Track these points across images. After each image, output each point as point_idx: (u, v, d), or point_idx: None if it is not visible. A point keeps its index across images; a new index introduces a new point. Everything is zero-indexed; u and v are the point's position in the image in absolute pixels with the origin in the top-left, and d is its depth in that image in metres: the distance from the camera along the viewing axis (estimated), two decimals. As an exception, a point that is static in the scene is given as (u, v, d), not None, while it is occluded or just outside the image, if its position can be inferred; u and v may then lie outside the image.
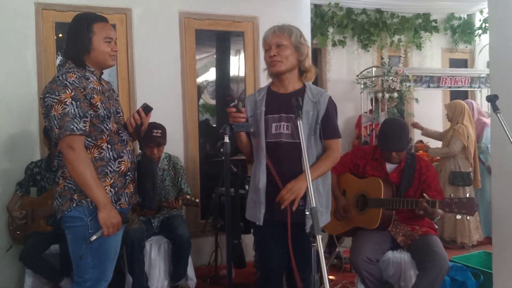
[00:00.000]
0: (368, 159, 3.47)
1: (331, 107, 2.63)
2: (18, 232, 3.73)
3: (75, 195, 2.33)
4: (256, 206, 2.60)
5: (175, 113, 4.56)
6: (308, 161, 2.51)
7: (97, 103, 2.35)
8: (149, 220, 3.91)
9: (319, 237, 2.02)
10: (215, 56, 7.07)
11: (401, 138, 3.32)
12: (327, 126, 2.58)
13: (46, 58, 4.12)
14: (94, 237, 2.29)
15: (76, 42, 2.40)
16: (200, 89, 8.18)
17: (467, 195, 2.97)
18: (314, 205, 2.07)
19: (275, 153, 2.54)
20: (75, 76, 2.33)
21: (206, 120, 6.87)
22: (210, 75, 7.26)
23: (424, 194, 3.11)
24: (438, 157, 5.65)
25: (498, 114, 2.51)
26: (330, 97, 2.65)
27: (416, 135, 6.73)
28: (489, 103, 2.66)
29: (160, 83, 4.51)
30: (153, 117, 3.89)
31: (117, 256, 2.50)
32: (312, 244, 2.09)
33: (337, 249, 4.40)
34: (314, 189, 2.64)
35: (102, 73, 2.55)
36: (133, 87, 4.43)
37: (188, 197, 3.86)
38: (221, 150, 2.23)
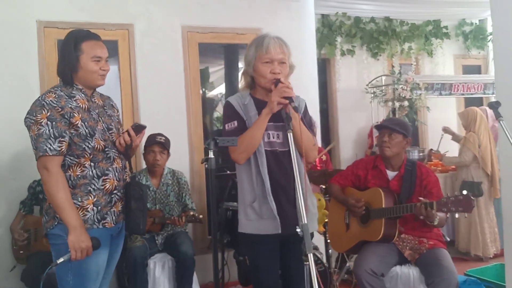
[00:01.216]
0: (369, 168, 3.43)
1: (308, 111, 2.64)
2: (21, 252, 3.71)
3: (57, 213, 2.32)
4: (264, 218, 2.46)
5: (179, 127, 4.53)
6: (300, 170, 2.44)
7: (77, 122, 2.33)
8: (153, 237, 3.85)
9: (310, 255, 1.95)
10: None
11: (395, 121, 3.38)
12: (305, 123, 2.50)
13: (49, 76, 4.12)
14: (61, 260, 2.25)
15: (64, 60, 2.39)
16: (214, 102, 8.18)
17: (463, 192, 2.83)
18: (305, 222, 2.01)
19: (269, 161, 2.45)
20: (54, 95, 2.32)
21: (219, 131, 6.83)
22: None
23: (420, 198, 3.02)
24: (454, 166, 5.52)
25: (501, 121, 2.43)
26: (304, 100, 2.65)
27: (432, 143, 6.61)
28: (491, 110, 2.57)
29: (164, 97, 4.48)
30: (158, 131, 3.93)
31: (100, 277, 2.44)
32: (305, 263, 1.99)
33: (347, 264, 4.29)
34: (309, 193, 2.58)
35: (94, 90, 2.52)
36: (137, 102, 4.41)
37: (191, 213, 3.79)
38: (206, 166, 2.13)
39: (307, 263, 2.00)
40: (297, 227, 2.08)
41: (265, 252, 2.52)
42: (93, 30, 4.02)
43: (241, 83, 2.65)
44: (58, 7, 4.18)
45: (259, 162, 2.45)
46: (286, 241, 2.51)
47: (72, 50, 2.37)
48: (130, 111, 4.40)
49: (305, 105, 2.63)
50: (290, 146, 2.14)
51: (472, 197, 2.79)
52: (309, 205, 2.53)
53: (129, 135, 2.45)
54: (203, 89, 7.95)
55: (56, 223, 2.34)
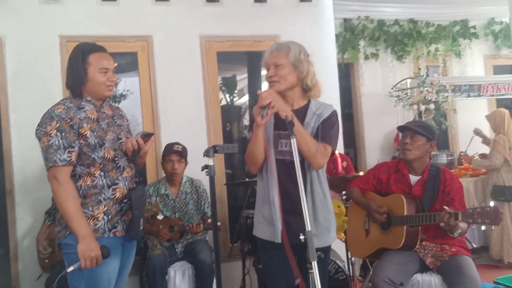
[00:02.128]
0: (392, 172, 3.34)
1: (334, 118, 2.53)
2: (46, 261, 3.81)
3: None
4: (270, 224, 2.48)
5: (199, 136, 4.56)
6: (313, 179, 2.46)
7: (86, 132, 2.39)
8: (173, 246, 3.89)
9: (314, 263, 1.94)
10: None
11: (419, 123, 3.32)
12: (322, 129, 2.47)
13: (72, 89, 4.22)
14: (71, 268, 2.30)
15: (72, 73, 2.45)
16: (242, 109, 8.22)
17: (490, 204, 2.77)
18: (309, 229, 1.99)
19: (280, 170, 2.44)
20: (63, 107, 2.39)
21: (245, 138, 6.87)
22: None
23: (445, 207, 2.91)
24: (485, 170, 5.36)
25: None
26: (335, 110, 2.57)
27: (462, 147, 6.45)
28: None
29: (184, 107, 4.53)
30: (178, 141, 3.98)
31: (112, 286, 2.47)
32: (309, 271, 1.97)
33: (371, 272, 4.21)
34: (323, 205, 2.53)
35: (104, 101, 2.58)
36: (157, 112, 4.47)
37: (209, 221, 3.80)
38: (206, 173, 2.16)
39: (312, 271, 1.99)
40: (300, 234, 2.07)
41: (273, 257, 2.51)
42: (114, 42, 4.26)
43: None
44: (80, 22, 4.30)
45: (268, 170, 2.46)
46: (300, 250, 2.48)
47: (80, 63, 2.43)
48: (151, 121, 4.47)
49: (332, 113, 2.53)
50: (293, 152, 2.13)
51: (500, 210, 2.71)
52: (320, 219, 2.49)
53: (137, 141, 2.50)
54: (230, 97, 8.02)
55: (68, 233, 2.39)
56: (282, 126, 2.46)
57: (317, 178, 2.51)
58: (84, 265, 2.30)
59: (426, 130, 3.23)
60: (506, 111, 5.06)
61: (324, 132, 2.48)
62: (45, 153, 2.35)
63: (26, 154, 4.13)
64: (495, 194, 4.89)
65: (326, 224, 2.53)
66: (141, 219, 2.55)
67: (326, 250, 2.53)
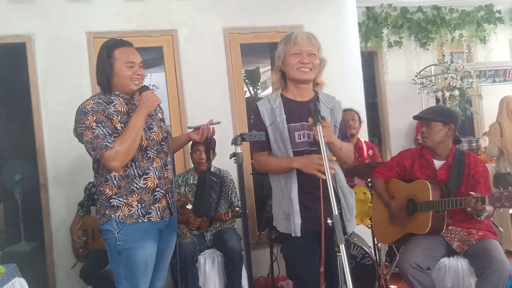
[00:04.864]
0: (416, 158, 3.35)
1: (343, 114, 2.68)
2: (80, 251, 3.94)
3: (107, 211, 2.50)
4: (289, 218, 2.52)
5: (225, 128, 4.58)
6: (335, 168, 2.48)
7: (117, 125, 2.47)
8: (202, 234, 3.98)
9: (342, 246, 1.97)
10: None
11: (432, 109, 3.37)
12: (341, 130, 2.60)
13: (100, 84, 4.33)
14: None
15: (100, 69, 2.53)
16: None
17: None
18: (337, 213, 2.04)
19: None
20: (93, 102, 2.47)
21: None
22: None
23: (471, 192, 2.92)
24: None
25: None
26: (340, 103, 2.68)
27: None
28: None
29: (209, 99, 4.60)
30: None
31: (149, 269, 2.56)
32: (337, 254, 2.01)
33: (397, 258, 4.23)
34: (350, 192, 2.59)
35: (133, 94, 2.64)
36: (183, 105, 4.56)
37: (237, 209, 3.88)
38: (234, 161, 2.22)
39: (339, 254, 2.03)
40: (328, 218, 2.11)
41: (296, 248, 2.55)
42: (139, 37, 4.34)
43: (272, 81, 2.70)
44: (106, 19, 4.40)
45: None
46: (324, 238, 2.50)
47: (106, 59, 2.51)
48: (178, 114, 4.56)
49: (341, 110, 2.66)
50: (320, 139, 2.19)
51: None
52: (349, 206, 2.55)
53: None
54: (254, 89, 8.06)
55: (106, 220, 2.50)
56: (294, 119, 2.51)
57: (338, 166, 2.58)
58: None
59: (439, 115, 3.22)
60: (506, 98, 4.96)
61: (344, 133, 2.62)
62: (92, 144, 2.41)
63: (58, 149, 4.27)
64: (496, 181, 4.84)
65: (353, 210, 2.60)
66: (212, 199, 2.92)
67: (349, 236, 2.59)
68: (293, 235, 2.49)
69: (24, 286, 3.06)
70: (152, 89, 2.63)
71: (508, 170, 4.83)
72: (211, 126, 2.72)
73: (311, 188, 2.40)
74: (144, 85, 2.60)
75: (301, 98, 2.57)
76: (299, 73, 2.50)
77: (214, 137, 4.01)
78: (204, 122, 2.75)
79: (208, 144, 2.88)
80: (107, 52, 2.51)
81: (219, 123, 2.73)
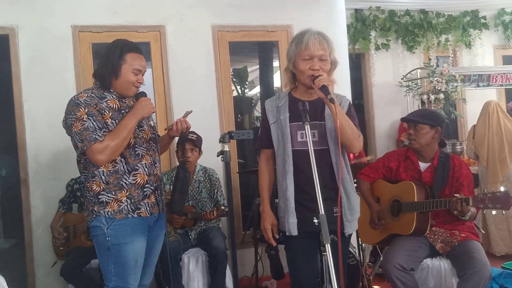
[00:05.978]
0: (401, 160, 3.37)
1: (353, 110, 2.58)
2: (61, 248, 3.86)
3: (95, 207, 2.48)
4: (285, 216, 2.51)
5: (212, 126, 4.59)
6: (340, 168, 2.43)
7: (107, 120, 2.46)
8: (187, 233, 3.93)
9: (328, 246, 1.96)
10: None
11: (420, 112, 3.40)
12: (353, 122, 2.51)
13: (85, 79, 4.27)
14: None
15: (107, 65, 2.51)
16: (253, 100, 8.22)
17: (501, 189, 2.78)
18: (323, 213, 2.03)
19: (303, 161, 2.43)
20: (86, 95, 2.47)
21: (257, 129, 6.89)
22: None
23: (456, 195, 2.95)
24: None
25: None
26: (350, 101, 2.61)
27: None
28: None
29: (197, 96, 4.55)
30: (191, 130, 3.98)
31: (139, 265, 2.56)
32: (323, 254, 1.99)
33: (381, 258, 4.24)
34: (353, 191, 2.58)
35: None
36: (170, 102, 4.51)
37: (222, 208, 3.85)
38: (222, 159, 2.20)
39: (325, 253, 2.01)
40: (314, 217, 2.09)
41: (293, 247, 2.55)
42: (126, 32, 4.28)
43: (283, 81, 2.66)
44: (92, 12, 4.33)
45: (286, 163, 2.48)
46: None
47: (117, 58, 2.50)
48: (164, 111, 4.50)
49: (350, 104, 2.58)
50: (308, 139, 2.20)
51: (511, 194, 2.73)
52: (354, 205, 2.54)
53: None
54: (241, 88, 8.03)
55: (94, 216, 2.48)
56: (297, 118, 2.46)
57: (345, 164, 2.52)
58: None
59: (427, 118, 3.25)
60: (487, 103, 5.01)
61: (352, 121, 2.51)
62: (80, 135, 2.40)
63: (39, 143, 4.19)
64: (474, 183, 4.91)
65: (357, 209, 2.59)
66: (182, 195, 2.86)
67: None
68: (287, 233, 2.49)
69: (2, 283, 2.98)
70: (149, 98, 2.66)
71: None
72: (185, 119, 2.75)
73: (310, 188, 2.34)
74: (142, 91, 2.63)
75: (308, 97, 2.53)
76: (309, 80, 2.43)
77: (200, 135, 4.03)
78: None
79: (183, 138, 2.90)
80: (120, 53, 2.51)
81: (191, 111, 2.77)
